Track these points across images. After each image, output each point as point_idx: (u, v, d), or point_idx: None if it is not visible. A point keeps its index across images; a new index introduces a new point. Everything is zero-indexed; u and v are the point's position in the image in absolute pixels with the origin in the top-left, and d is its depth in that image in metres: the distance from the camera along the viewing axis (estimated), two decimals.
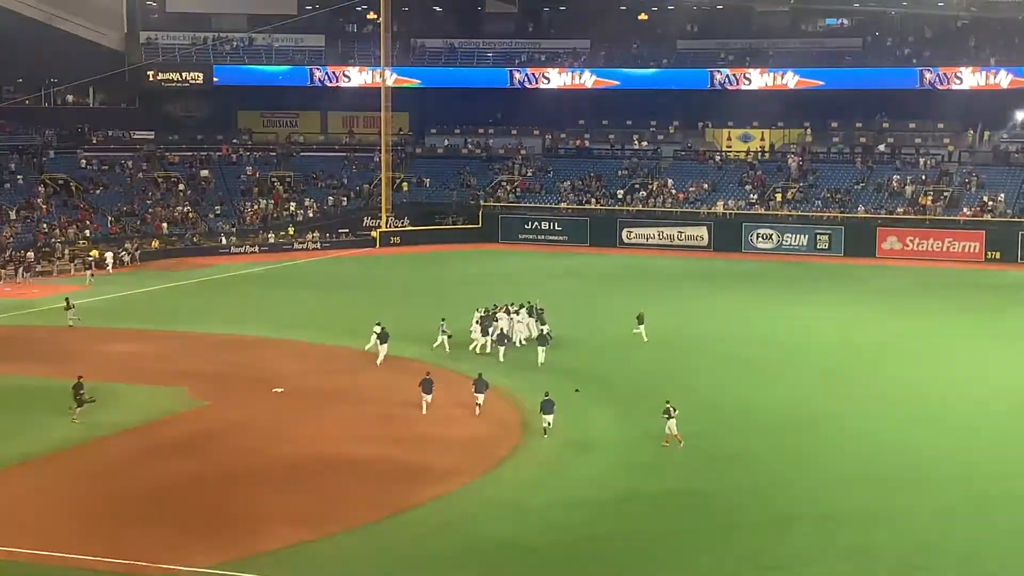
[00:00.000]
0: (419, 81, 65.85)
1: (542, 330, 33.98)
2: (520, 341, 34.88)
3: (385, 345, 33.00)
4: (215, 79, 65.29)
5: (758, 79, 60.84)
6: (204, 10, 67.75)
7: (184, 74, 65.75)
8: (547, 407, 25.18)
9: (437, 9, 69.24)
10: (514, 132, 67.38)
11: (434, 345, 34.44)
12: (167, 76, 65.77)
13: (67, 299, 41.73)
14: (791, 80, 60.44)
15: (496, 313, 34.93)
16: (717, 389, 30.55)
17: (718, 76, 61.93)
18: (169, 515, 21.99)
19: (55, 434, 26.85)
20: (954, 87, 56.51)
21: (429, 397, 26.92)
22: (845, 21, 63.55)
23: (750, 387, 30.71)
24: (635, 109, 66.23)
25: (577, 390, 28.09)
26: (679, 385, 29.93)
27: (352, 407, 30.15)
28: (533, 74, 65.70)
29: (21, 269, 49.50)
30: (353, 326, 39.17)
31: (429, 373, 27.69)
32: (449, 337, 34.19)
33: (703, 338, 36.83)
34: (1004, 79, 55.80)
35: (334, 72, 65.40)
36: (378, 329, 33.53)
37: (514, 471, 24.63)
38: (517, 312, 35.41)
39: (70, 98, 66.51)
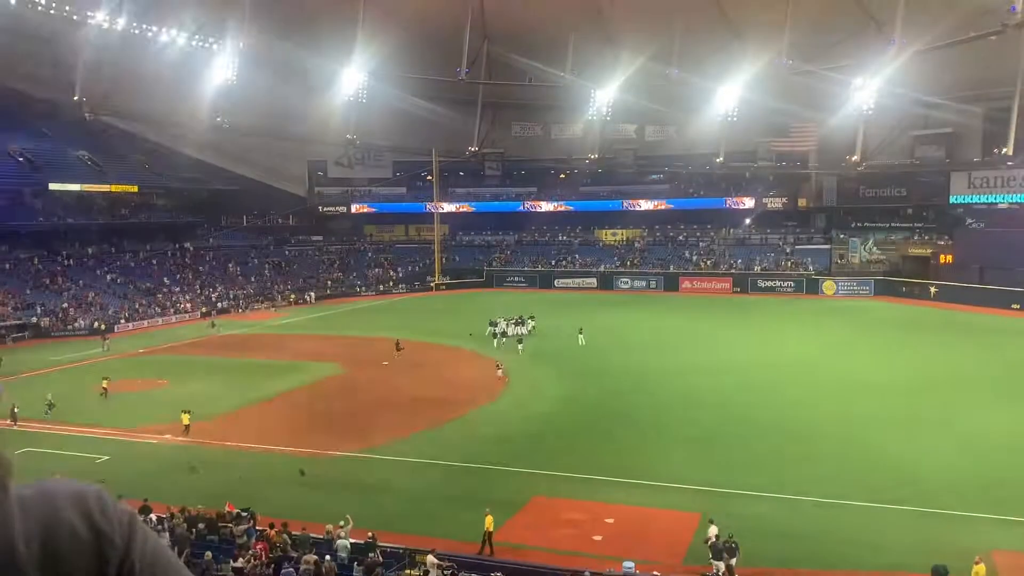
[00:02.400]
0: (454, 208, 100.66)
1: (521, 331, 52.40)
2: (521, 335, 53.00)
3: (501, 337, 48.57)
4: (352, 209, 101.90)
5: (619, 205, 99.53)
6: (345, 176, 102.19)
7: (337, 208, 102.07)
8: (521, 341, 48.76)
9: (461, 173, 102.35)
10: (500, 232, 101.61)
11: (488, 336, 52.47)
12: (328, 209, 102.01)
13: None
14: (643, 204, 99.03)
15: (510, 320, 53.87)
16: (603, 356, 47.32)
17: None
18: (329, 426, 33.93)
19: (276, 386, 41.13)
20: (731, 207, 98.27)
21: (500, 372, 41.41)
22: (661, 176, 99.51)
23: (615, 355, 48.06)
24: (561, 219, 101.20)
25: (533, 360, 45.11)
26: (586, 358, 47.33)
27: (423, 370, 44.43)
28: (509, 203, 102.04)
29: (251, 305, 78.81)
30: (423, 328, 57.63)
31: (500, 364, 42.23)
32: (500, 335, 51.33)
33: (596, 332, 54.33)
34: (748, 202, 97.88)
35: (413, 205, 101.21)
36: (501, 326, 50.82)
37: (501, 402, 37.42)
38: (523, 321, 54.92)
39: (280, 220, 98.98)
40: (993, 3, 61.46)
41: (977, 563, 19.33)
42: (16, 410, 37.50)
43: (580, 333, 53.13)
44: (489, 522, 22.99)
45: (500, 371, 43.55)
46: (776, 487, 27.25)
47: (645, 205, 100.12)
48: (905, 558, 22.09)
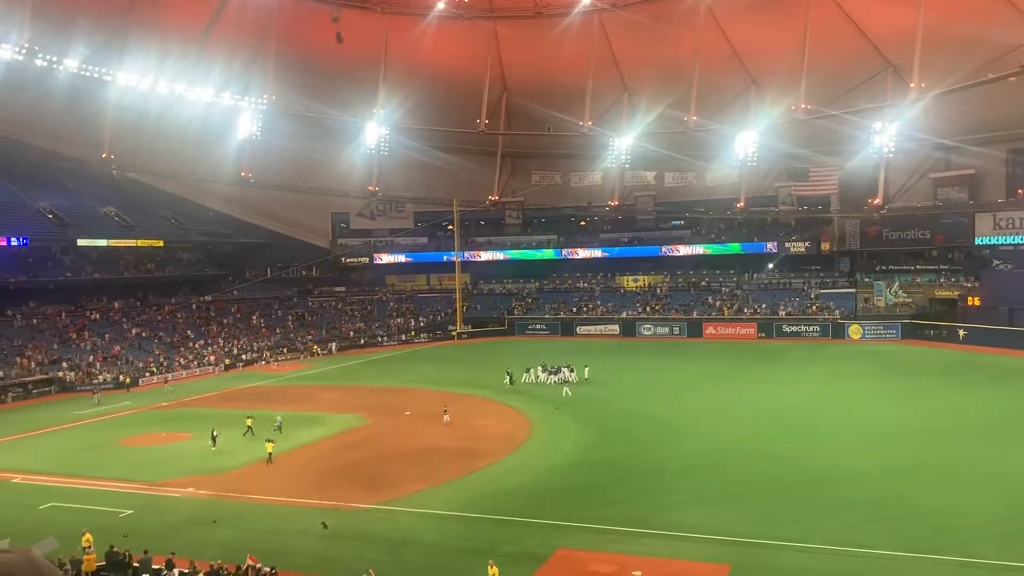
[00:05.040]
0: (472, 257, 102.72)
1: (569, 377, 54.28)
2: (567, 381, 54.12)
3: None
4: (375, 260, 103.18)
5: (640, 251, 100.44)
6: (368, 227, 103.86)
7: (360, 259, 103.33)
8: (556, 372, 53.14)
9: (482, 223, 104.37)
10: (521, 280, 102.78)
11: (504, 383, 53.79)
12: (352, 260, 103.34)
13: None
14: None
15: (560, 368, 55.52)
16: (626, 404, 47.65)
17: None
18: (353, 478, 33.19)
19: (299, 438, 41.64)
20: (731, 252, 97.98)
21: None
22: (681, 222, 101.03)
23: (639, 403, 47.91)
24: (581, 267, 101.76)
25: (557, 408, 44.71)
26: (610, 406, 46.96)
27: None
28: (530, 251, 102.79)
29: (279, 357, 78.54)
30: (444, 379, 58.07)
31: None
32: (512, 383, 53.28)
33: (618, 379, 56.74)
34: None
35: (434, 255, 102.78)
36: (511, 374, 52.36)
37: (525, 451, 37.15)
38: (565, 368, 56.33)
39: (303, 272, 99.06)
40: (1010, 44, 61.57)
41: None
42: None
43: (565, 386, 53.07)
44: (494, 574, 22.54)
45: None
46: (807, 537, 26.44)
47: (665, 251, 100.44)
48: None
